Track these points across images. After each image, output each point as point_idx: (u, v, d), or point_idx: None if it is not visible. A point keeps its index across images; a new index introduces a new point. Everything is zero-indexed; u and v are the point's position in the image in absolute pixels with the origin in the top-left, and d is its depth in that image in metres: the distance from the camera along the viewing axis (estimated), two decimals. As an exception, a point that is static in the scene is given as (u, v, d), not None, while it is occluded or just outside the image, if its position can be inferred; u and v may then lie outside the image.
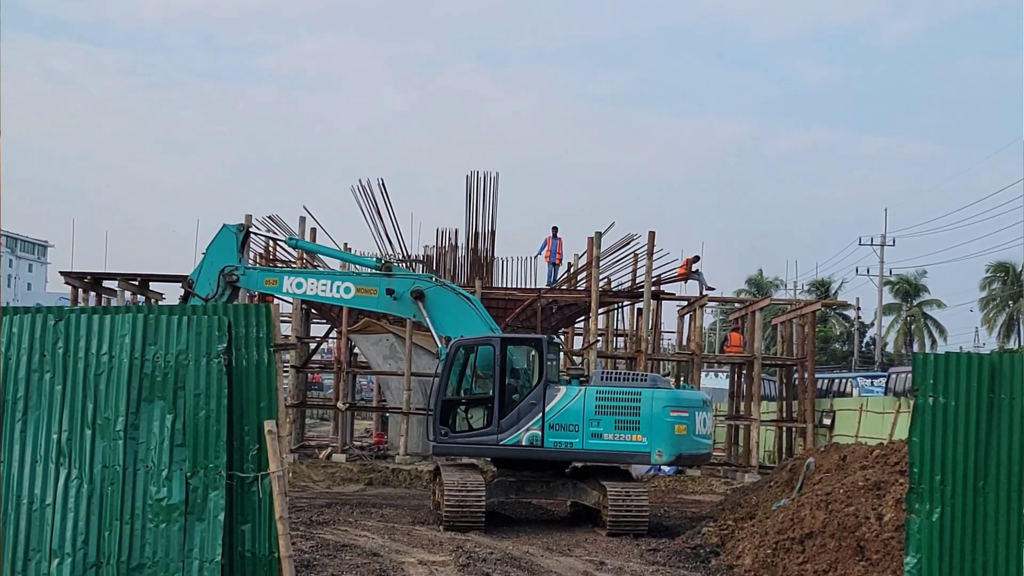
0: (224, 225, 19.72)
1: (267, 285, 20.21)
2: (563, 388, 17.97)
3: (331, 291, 19.62)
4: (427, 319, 19.09)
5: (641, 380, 18.49)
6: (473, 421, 18.37)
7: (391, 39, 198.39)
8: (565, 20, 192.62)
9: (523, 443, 17.83)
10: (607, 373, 19.00)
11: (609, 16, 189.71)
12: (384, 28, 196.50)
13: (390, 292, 19.19)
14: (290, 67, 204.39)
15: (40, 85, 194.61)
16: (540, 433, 17.76)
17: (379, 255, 29.08)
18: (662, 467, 25.76)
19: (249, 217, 28.15)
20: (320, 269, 27.65)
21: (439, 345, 19.00)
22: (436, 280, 19.84)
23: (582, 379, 18.57)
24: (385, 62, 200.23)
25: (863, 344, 79.86)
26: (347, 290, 19.50)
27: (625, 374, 19.17)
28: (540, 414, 17.78)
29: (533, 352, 18.48)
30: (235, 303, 18.28)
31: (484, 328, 18.92)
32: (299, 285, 19.85)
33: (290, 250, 29.21)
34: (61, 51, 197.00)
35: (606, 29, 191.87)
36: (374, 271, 19.93)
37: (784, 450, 31.77)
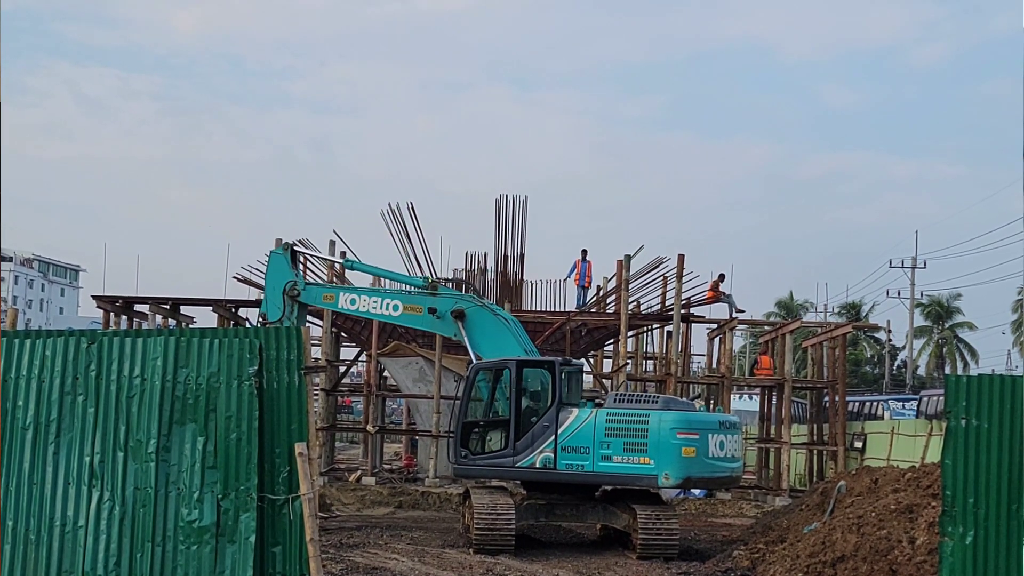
0: (271, 251, 20.70)
1: (324, 300, 21.01)
2: (575, 410, 17.94)
3: (381, 308, 20.20)
4: (466, 339, 19.38)
5: (652, 402, 18.34)
6: (491, 443, 18.44)
7: (421, 64, 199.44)
8: (594, 45, 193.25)
9: (537, 465, 17.85)
10: (621, 395, 18.94)
11: (639, 40, 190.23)
12: (414, 54, 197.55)
13: (432, 311, 19.62)
14: (321, 92, 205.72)
15: (72, 110, 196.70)
16: (553, 455, 17.75)
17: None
18: (691, 490, 25.65)
19: (279, 241, 28.29)
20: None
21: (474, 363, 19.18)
22: (477, 300, 20.14)
23: (597, 401, 18.51)
24: (415, 87, 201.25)
25: (894, 367, 79.33)
26: (395, 307, 20.05)
27: (639, 396, 19.08)
28: (553, 436, 17.78)
29: (548, 374, 18.47)
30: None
31: (518, 349, 18.97)
32: (353, 301, 20.49)
33: (320, 273, 29.38)
34: (93, 76, 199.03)
35: (636, 53, 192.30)
36: (420, 290, 20.36)
37: (815, 473, 31.57)
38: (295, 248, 21.09)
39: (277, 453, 10.58)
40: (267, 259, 20.68)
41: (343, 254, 29.94)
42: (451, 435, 18.87)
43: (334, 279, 29.33)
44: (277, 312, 20.01)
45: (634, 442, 17.53)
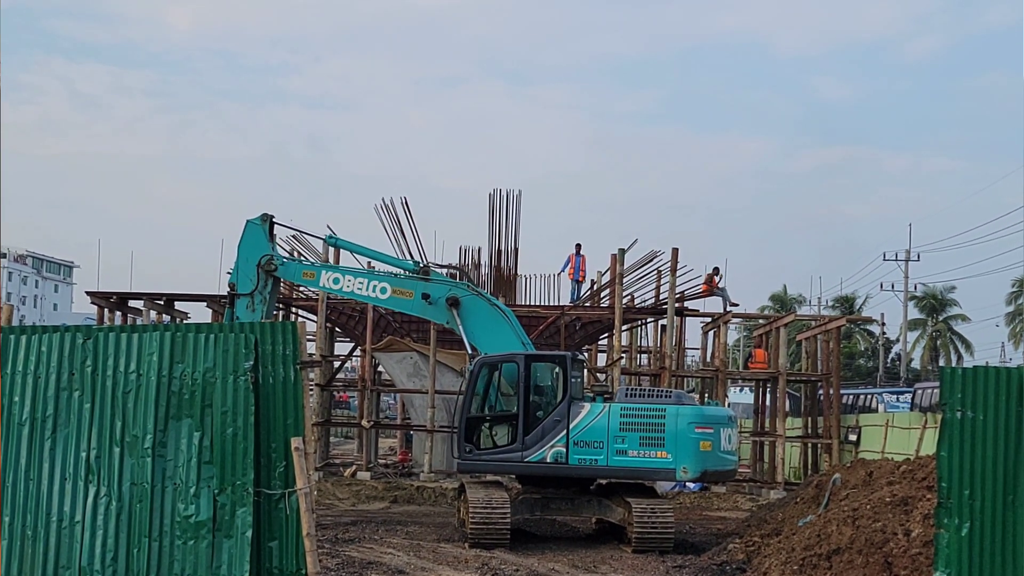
0: (248, 221, 19.64)
1: (304, 277, 20.44)
2: (587, 405, 17.95)
3: (367, 290, 19.58)
4: (460, 327, 19.03)
5: (666, 396, 18.45)
6: (497, 438, 18.35)
7: (415, 59, 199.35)
8: (588, 39, 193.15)
9: (547, 460, 17.80)
10: (631, 390, 18.95)
11: (633, 35, 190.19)
12: (408, 49, 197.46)
13: (425, 296, 19.12)
14: (315, 88, 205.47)
15: (66, 107, 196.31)
16: (564, 450, 17.73)
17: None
18: (687, 484, 25.70)
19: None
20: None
21: (470, 354, 19.02)
22: (472, 289, 19.79)
23: (606, 396, 18.53)
24: (409, 82, 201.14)
25: (888, 360, 79.45)
26: (383, 290, 19.44)
27: (650, 390, 19.12)
28: (564, 431, 17.75)
29: (557, 369, 18.46)
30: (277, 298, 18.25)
31: (516, 341, 18.87)
32: (336, 280, 19.85)
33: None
34: (88, 73, 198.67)
35: (630, 48, 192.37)
36: (411, 274, 19.79)
37: (810, 466, 31.62)
38: (275, 220, 19.99)
39: (273, 448, 10.58)
40: (244, 229, 19.59)
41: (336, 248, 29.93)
42: (454, 430, 18.78)
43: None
44: (249, 285, 19.21)
45: (651, 436, 17.65)
